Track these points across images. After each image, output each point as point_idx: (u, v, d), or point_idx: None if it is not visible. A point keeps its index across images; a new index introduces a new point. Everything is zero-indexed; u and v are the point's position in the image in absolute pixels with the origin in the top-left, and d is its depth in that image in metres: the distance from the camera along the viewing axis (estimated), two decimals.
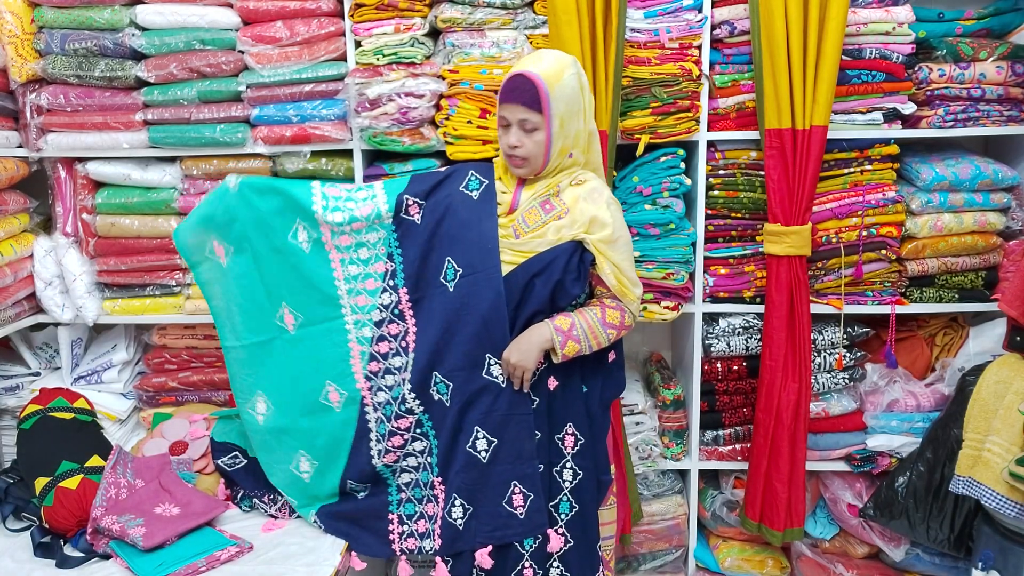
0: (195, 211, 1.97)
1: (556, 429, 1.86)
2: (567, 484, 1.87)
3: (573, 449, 1.87)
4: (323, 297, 1.92)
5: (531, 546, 1.84)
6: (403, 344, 1.91)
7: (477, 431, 1.82)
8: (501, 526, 1.83)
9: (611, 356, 1.96)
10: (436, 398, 1.89)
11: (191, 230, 1.95)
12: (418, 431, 1.94)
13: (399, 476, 1.99)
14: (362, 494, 2.02)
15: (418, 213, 1.88)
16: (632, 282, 1.83)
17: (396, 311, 1.91)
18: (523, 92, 1.73)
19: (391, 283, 1.91)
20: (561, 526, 1.87)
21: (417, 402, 1.91)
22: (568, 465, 1.87)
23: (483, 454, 1.83)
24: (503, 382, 1.81)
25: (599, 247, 1.77)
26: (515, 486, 1.82)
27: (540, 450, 1.84)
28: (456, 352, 1.84)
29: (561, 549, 1.86)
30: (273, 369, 1.97)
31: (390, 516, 1.99)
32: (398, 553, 1.97)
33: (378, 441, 1.96)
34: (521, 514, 1.83)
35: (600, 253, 1.77)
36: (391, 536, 1.98)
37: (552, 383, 1.84)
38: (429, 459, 1.94)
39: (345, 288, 1.91)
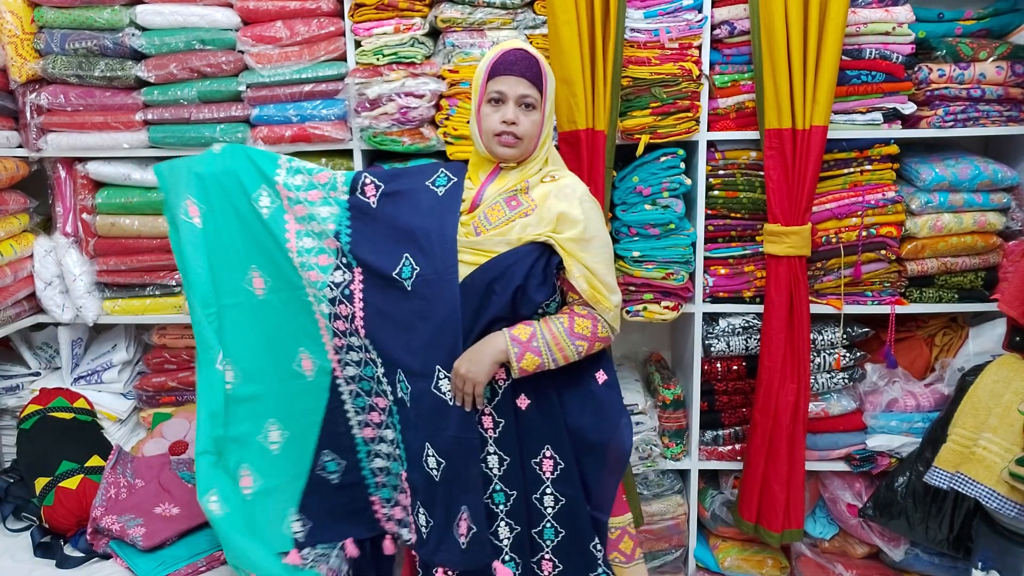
0: (177, 165, 1.85)
1: (532, 452, 1.72)
2: (549, 510, 1.73)
3: (552, 474, 1.72)
4: (287, 266, 1.83)
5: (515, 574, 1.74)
6: (353, 326, 1.80)
7: (428, 447, 1.70)
8: (447, 550, 1.71)
9: (601, 377, 1.76)
10: (400, 395, 1.77)
11: (173, 186, 1.83)
12: (388, 419, 1.84)
13: (372, 460, 1.89)
14: (335, 477, 1.89)
15: (374, 196, 1.79)
16: (608, 288, 1.67)
17: (346, 291, 1.80)
18: (527, 67, 1.65)
19: (343, 261, 1.80)
20: (548, 552, 1.75)
21: (389, 389, 1.80)
22: (548, 491, 1.73)
23: (435, 472, 1.70)
24: (451, 400, 1.66)
25: (568, 247, 1.63)
26: (463, 512, 1.69)
27: (512, 477, 1.71)
28: (413, 357, 1.71)
29: (551, 574, 1.75)
30: (245, 334, 1.84)
31: (371, 498, 1.90)
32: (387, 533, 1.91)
33: (357, 413, 1.87)
34: (464, 544, 1.69)
35: (569, 254, 1.63)
36: (378, 516, 1.91)
37: (523, 401, 1.70)
38: (398, 451, 1.85)
39: (298, 261, 1.81)
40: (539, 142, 1.72)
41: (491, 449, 1.71)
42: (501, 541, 1.74)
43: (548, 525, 1.74)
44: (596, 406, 1.75)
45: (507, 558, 1.74)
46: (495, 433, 1.70)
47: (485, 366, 1.61)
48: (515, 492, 1.72)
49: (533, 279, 1.64)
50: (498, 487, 1.73)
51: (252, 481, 1.83)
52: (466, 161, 1.87)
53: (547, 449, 1.72)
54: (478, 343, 1.64)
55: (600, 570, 1.76)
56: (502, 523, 1.73)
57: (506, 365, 1.65)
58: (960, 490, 1.90)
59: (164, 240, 2.42)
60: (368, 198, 1.81)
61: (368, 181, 1.82)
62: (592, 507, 1.76)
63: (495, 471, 1.72)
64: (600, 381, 1.76)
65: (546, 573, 1.76)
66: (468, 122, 2.19)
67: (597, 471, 1.75)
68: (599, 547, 1.77)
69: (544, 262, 1.66)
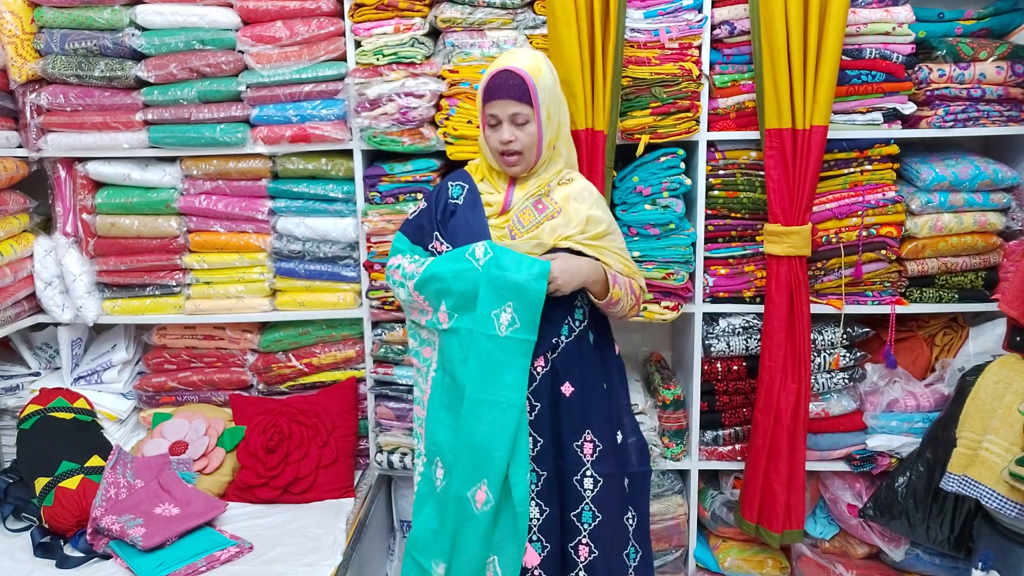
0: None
1: (574, 436, 1.82)
2: (588, 492, 1.82)
3: (592, 456, 1.83)
4: None
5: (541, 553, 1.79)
6: None
7: None
8: None
9: (616, 348, 1.98)
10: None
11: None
12: None
13: None
14: None
15: (443, 245, 1.84)
16: (633, 262, 1.89)
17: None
18: (512, 87, 1.74)
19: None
20: (585, 535, 1.83)
21: None
22: (588, 473, 1.82)
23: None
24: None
25: (598, 244, 1.79)
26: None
27: (543, 458, 1.79)
28: None
29: (587, 560, 1.82)
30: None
31: None
32: None
33: None
34: None
35: (602, 248, 1.79)
36: None
37: (567, 388, 1.80)
38: None
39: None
40: (541, 150, 1.79)
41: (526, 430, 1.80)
42: (530, 520, 1.79)
43: (586, 508, 1.83)
44: (616, 368, 1.98)
45: (534, 538, 1.80)
46: (531, 416, 1.78)
47: (578, 279, 1.74)
48: (545, 473, 1.79)
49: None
50: (530, 467, 1.79)
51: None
52: (462, 163, 1.97)
53: (588, 433, 1.83)
54: (574, 258, 1.75)
55: (631, 546, 1.89)
56: (531, 503, 1.79)
57: (573, 309, 1.81)
58: (965, 492, 1.90)
59: (164, 240, 2.42)
60: (441, 251, 1.84)
61: (438, 248, 1.85)
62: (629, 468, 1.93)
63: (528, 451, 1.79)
64: (616, 351, 1.99)
65: (582, 557, 1.83)
66: (468, 122, 2.22)
67: (633, 430, 1.97)
68: (632, 519, 1.91)
69: None
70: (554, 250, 1.76)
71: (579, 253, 1.78)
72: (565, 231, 1.77)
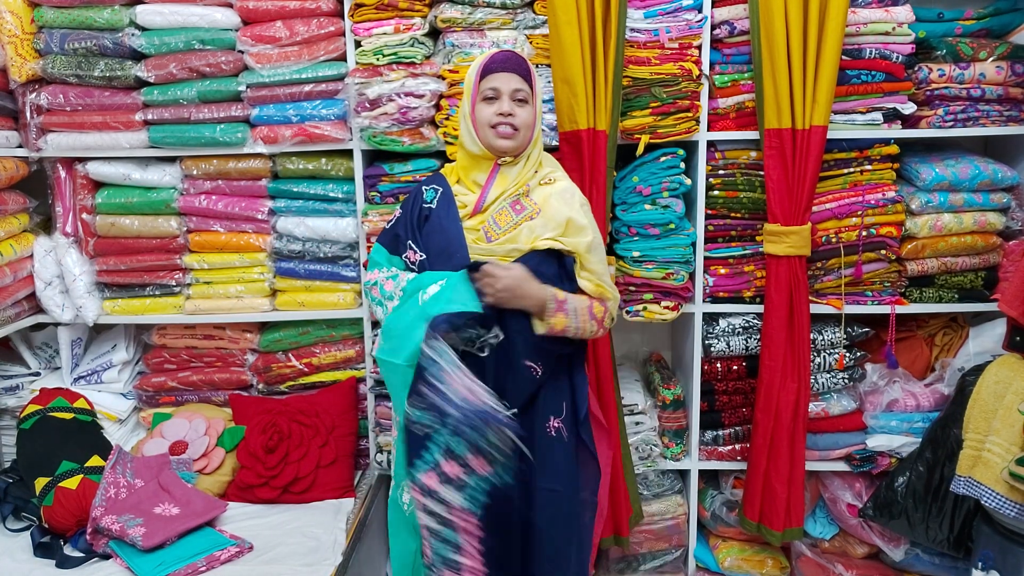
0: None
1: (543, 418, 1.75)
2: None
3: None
4: None
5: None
6: None
7: None
8: None
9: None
10: None
11: None
12: None
13: None
14: None
15: (418, 255, 1.77)
16: (609, 282, 1.78)
17: None
18: (517, 64, 1.75)
19: None
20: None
21: None
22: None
23: None
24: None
25: (580, 256, 1.72)
26: None
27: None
28: None
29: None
30: None
31: None
32: None
33: None
34: None
35: (583, 260, 1.73)
36: None
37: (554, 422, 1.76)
38: None
39: None
40: (533, 134, 1.77)
41: None
42: None
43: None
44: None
45: None
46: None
47: (516, 303, 1.64)
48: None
49: (554, 279, 1.70)
50: None
51: None
52: (437, 168, 1.92)
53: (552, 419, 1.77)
54: (529, 279, 1.64)
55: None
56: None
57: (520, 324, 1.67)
58: (969, 494, 1.90)
59: (163, 240, 2.42)
60: (416, 261, 1.77)
61: (412, 257, 1.78)
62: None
63: None
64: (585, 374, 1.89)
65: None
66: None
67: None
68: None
69: (558, 263, 1.73)
70: (531, 253, 1.68)
71: (558, 253, 1.70)
72: (544, 231, 1.69)
